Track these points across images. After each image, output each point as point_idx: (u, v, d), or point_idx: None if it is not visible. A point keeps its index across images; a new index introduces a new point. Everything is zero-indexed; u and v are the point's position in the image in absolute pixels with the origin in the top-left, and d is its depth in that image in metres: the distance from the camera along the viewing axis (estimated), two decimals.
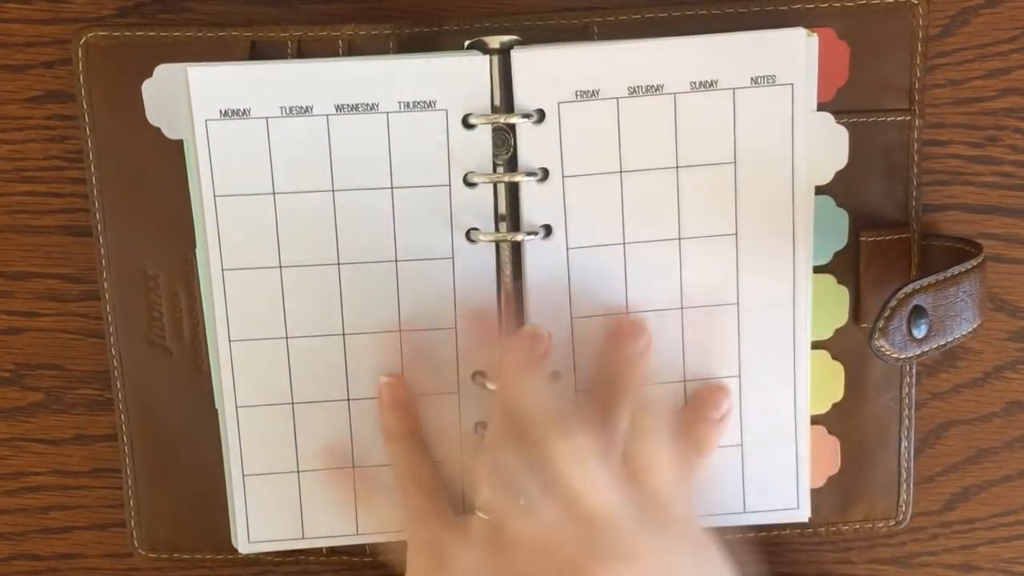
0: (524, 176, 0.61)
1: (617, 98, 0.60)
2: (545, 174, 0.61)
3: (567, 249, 0.62)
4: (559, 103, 0.60)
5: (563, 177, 0.61)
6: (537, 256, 0.62)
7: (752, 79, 0.60)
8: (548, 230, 0.62)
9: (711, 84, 0.60)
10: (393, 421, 0.63)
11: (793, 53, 0.60)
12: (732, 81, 0.61)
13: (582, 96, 0.60)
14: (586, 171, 0.61)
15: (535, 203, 0.62)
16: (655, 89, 0.60)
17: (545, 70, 0.60)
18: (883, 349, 0.59)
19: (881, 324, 0.59)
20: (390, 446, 0.63)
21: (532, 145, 0.61)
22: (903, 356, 0.60)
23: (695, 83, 0.60)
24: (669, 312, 0.63)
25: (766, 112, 0.61)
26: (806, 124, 0.61)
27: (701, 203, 0.62)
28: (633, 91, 0.60)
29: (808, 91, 0.61)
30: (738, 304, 0.63)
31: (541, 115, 0.61)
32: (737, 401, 0.64)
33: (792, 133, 0.61)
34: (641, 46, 0.60)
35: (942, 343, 0.61)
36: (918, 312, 0.59)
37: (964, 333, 0.62)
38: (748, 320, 0.63)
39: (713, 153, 0.61)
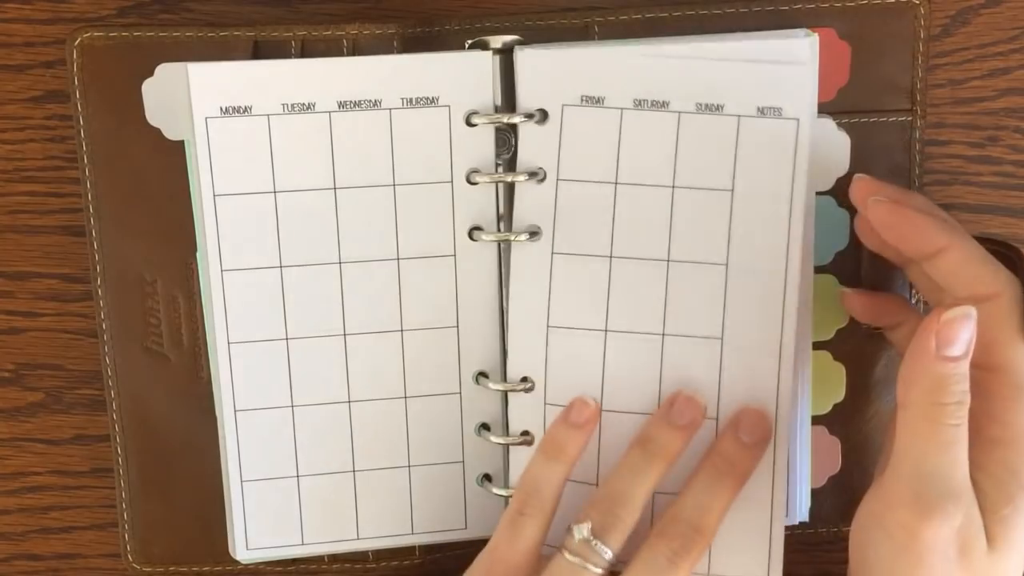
0: (522, 176, 0.61)
1: (621, 108, 0.60)
2: (542, 175, 0.61)
3: (552, 254, 0.62)
4: (563, 105, 0.60)
5: (558, 180, 0.61)
6: (522, 258, 0.62)
7: (759, 109, 0.59)
8: (537, 232, 0.62)
9: (717, 108, 0.59)
10: (570, 440, 0.61)
11: (802, 87, 0.59)
12: (739, 108, 0.59)
13: (587, 101, 0.60)
14: (582, 177, 0.61)
15: (528, 204, 0.62)
16: (660, 105, 0.59)
17: (552, 71, 0.60)
18: None
19: None
20: (545, 463, 0.60)
21: (532, 145, 0.61)
22: None
23: (701, 105, 0.59)
24: (649, 337, 0.61)
25: (769, 144, 0.59)
26: (808, 163, 0.59)
27: (693, 228, 0.60)
28: (639, 104, 0.60)
29: (810, 96, 0.60)
30: (722, 340, 0.61)
31: (544, 116, 0.61)
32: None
33: (793, 171, 0.59)
34: (652, 62, 0.59)
35: None
36: None
37: None
38: (731, 359, 0.61)
39: (711, 178, 0.60)
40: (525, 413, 0.63)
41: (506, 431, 0.64)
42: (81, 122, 0.63)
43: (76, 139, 0.63)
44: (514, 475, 0.64)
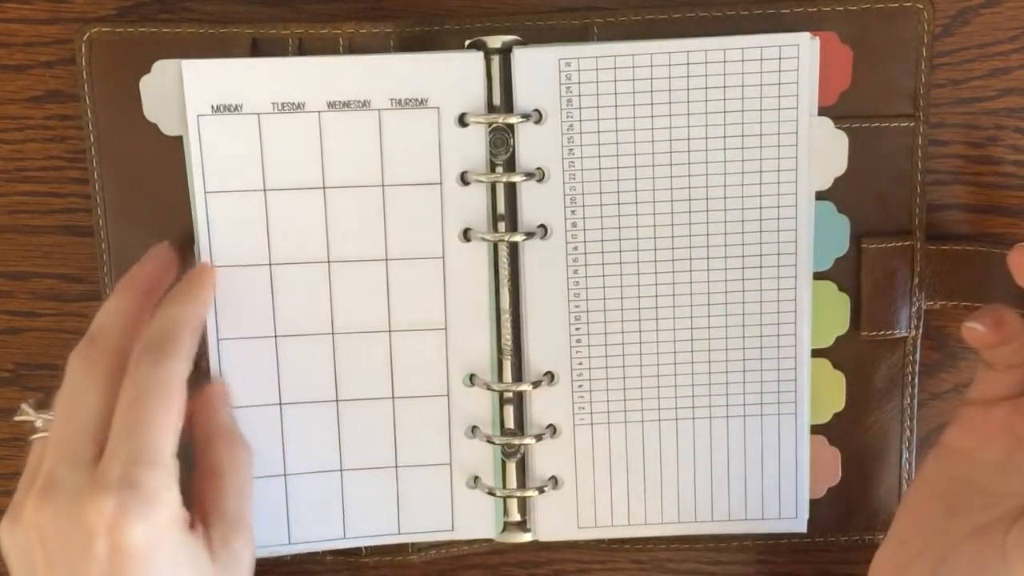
0: (519, 176, 0.61)
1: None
2: (542, 174, 0.61)
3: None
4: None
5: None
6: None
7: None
8: (545, 230, 0.62)
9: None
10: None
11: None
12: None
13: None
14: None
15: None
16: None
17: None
18: None
19: None
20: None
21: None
22: None
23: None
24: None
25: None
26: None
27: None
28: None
29: (810, 95, 0.61)
30: None
31: (539, 115, 0.61)
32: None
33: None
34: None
35: None
36: None
37: None
38: None
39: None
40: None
41: (500, 430, 0.64)
42: (89, 115, 0.63)
43: (84, 132, 0.63)
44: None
